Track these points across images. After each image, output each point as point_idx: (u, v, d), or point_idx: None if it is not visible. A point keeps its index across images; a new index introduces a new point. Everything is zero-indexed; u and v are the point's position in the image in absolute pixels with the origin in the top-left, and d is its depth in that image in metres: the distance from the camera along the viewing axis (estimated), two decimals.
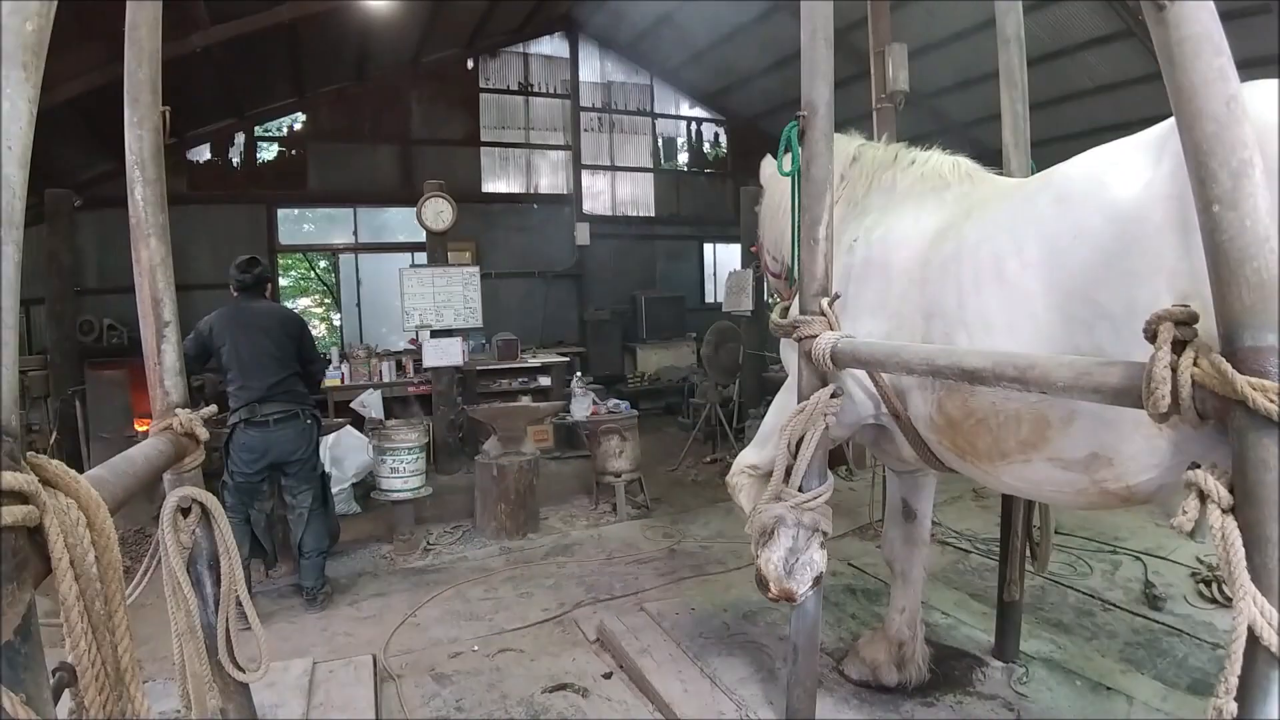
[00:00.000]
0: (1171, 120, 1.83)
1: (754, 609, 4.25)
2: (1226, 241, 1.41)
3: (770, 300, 4.41)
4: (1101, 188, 2.02)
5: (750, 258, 7.87)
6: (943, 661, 3.63)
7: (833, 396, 2.70)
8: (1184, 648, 3.84)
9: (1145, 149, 1.96)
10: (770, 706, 3.30)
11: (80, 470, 1.34)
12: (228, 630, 2.32)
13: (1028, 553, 3.64)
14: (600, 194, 12.87)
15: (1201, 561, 4.69)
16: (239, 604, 2.34)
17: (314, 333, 12.37)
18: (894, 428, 2.84)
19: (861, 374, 2.79)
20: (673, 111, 13.45)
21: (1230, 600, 3.92)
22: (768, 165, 3.71)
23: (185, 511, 2.23)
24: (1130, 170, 1.96)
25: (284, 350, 4.81)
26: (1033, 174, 3.13)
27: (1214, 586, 4.37)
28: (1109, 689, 3.42)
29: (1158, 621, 4.14)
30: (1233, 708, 1.37)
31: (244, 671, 2.37)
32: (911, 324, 2.60)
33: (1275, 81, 1.76)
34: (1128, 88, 8.83)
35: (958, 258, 2.43)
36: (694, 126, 13.59)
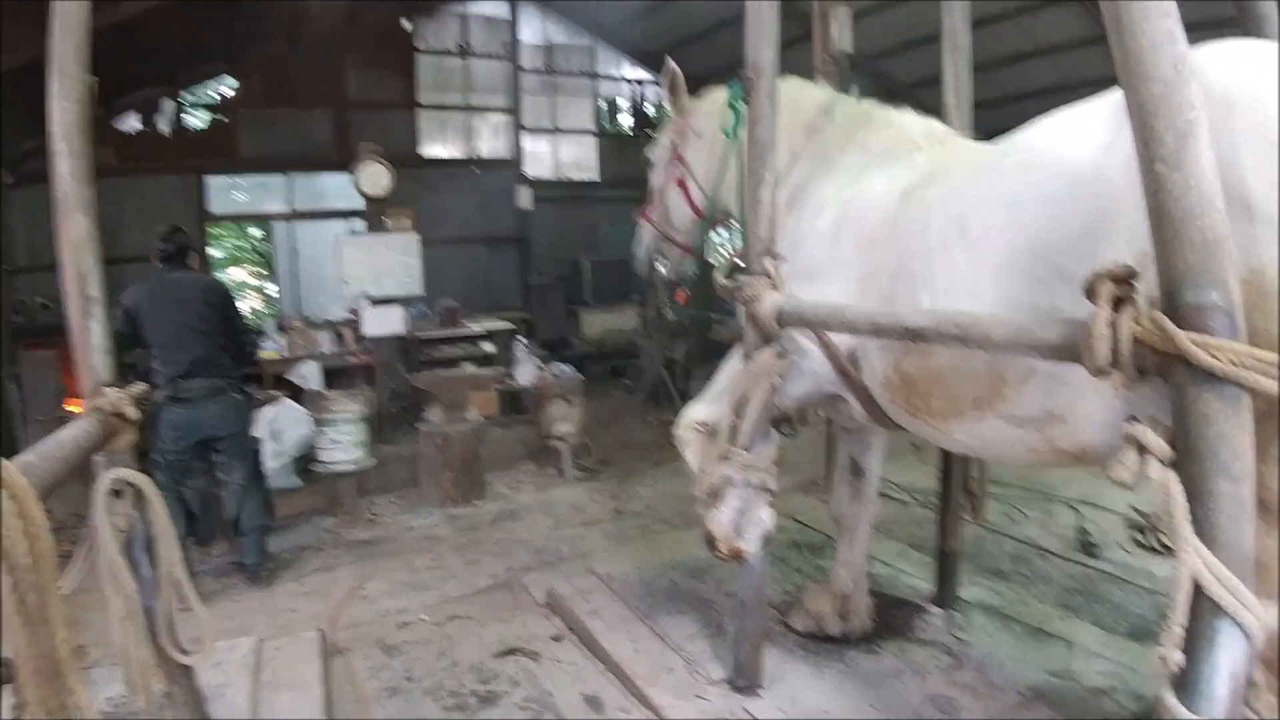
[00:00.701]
0: None
1: (701, 566, 4.32)
2: (1170, 202, 1.43)
3: (716, 261, 4.34)
4: (1063, 151, 2.05)
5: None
6: (885, 610, 3.76)
7: (778, 357, 2.72)
8: (1122, 594, 4.01)
9: (1106, 112, 1.97)
10: (719, 661, 3.39)
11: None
12: (169, 612, 2.29)
13: (967, 504, 3.76)
14: (542, 157, 12.66)
15: (1136, 509, 4.86)
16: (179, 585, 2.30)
17: (250, 305, 12.18)
18: (844, 388, 2.87)
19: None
20: (615, 73, 13.27)
21: (1166, 548, 4.09)
22: (707, 101, 3.66)
23: (118, 494, 2.17)
24: (1091, 133, 1.99)
25: (207, 323, 4.65)
26: (973, 135, 3.17)
27: (1149, 534, 4.53)
28: (1048, 634, 3.56)
29: (1094, 568, 4.32)
30: (1178, 657, 1.42)
31: (187, 654, 2.33)
32: (878, 285, 2.62)
33: (1233, 43, 1.78)
34: (1068, 51, 8.95)
35: (923, 219, 2.45)
36: (638, 88, 13.44)
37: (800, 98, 3.23)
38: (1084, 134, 2.02)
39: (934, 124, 3.00)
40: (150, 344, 4.57)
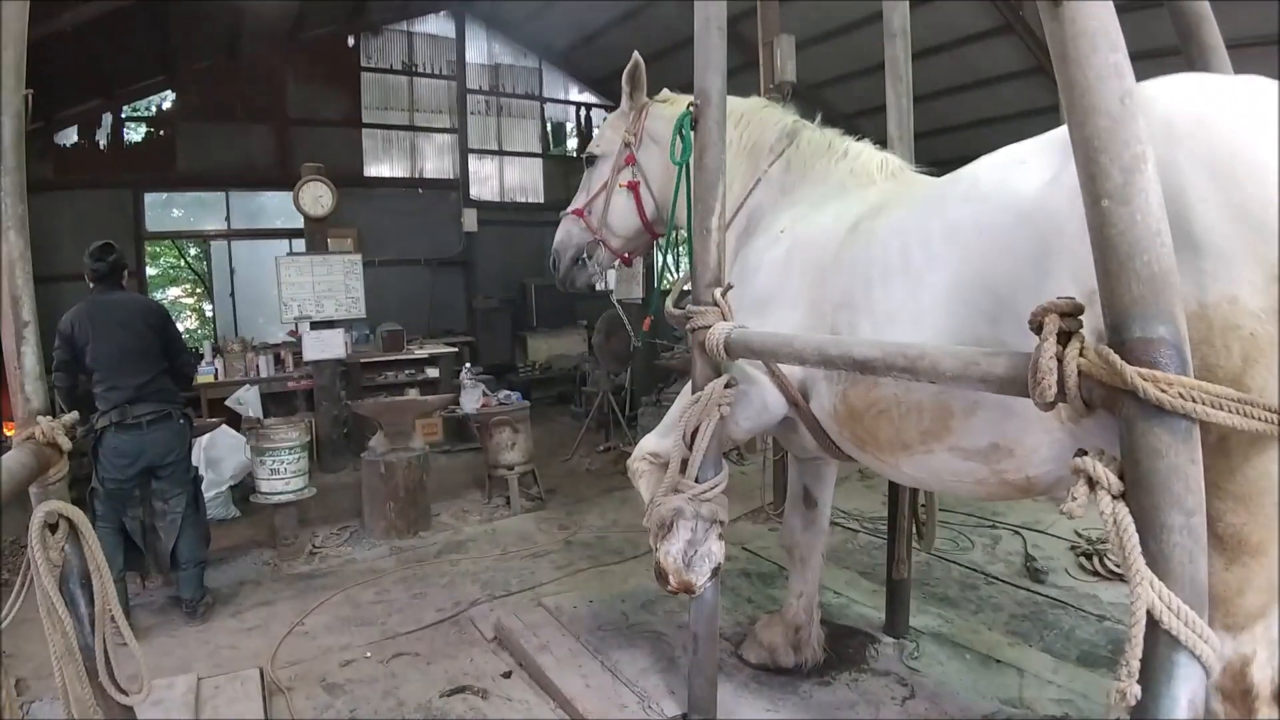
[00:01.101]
0: None
1: (652, 598, 4.28)
2: (1116, 235, 1.43)
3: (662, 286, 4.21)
4: (1008, 184, 2.06)
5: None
6: (837, 641, 3.76)
7: (727, 386, 2.70)
8: (1070, 620, 4.07)
9: (1052, 148, 1.99)
10: (672, 696, 3.34)
11: None
12: (105, 651, 2.22)
13: (914, 531, 3.78)
14: (488, 179, 12.62)
15: (1080, 535, 4.97)
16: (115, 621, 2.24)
17: (185, 326, 11.81)
18: (795, 418, 2.87)
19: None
20: (562, 96, 13.30)
21: (1112, 573, 4.17)
22: (670, 106, 3.51)
23: (53, 527, 2.09)
24: (1037, 168, 2.00)
25: (149, 345, 4.52)
26: (914, 165, 3.22)
27: (1095, 559, 4.63)
28: (999, 662, 3.59)
29: (1041, 594, 4.38)
30: (1136, 690, 1.41)
31: (126, 694, 2.26)
32: (824, 314, 2.63)
33: (1180, 77, 1.82)
34: (1006, 82, 9.28)
35: (867, 249, 2.47)
36: (584, 112, 13.48)
37: (764, 117, 3.24)
38: (1030, 167, 2.04)
39: (889, 157, 3.05)
40: (93, 369, 4.41)
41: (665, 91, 3.61)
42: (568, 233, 3.79)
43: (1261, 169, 1.55)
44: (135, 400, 4.41)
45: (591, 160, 3.74)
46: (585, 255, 3.74)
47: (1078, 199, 1.77)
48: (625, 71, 3.51)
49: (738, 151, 3.15)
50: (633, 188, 3.54)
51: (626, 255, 3.80)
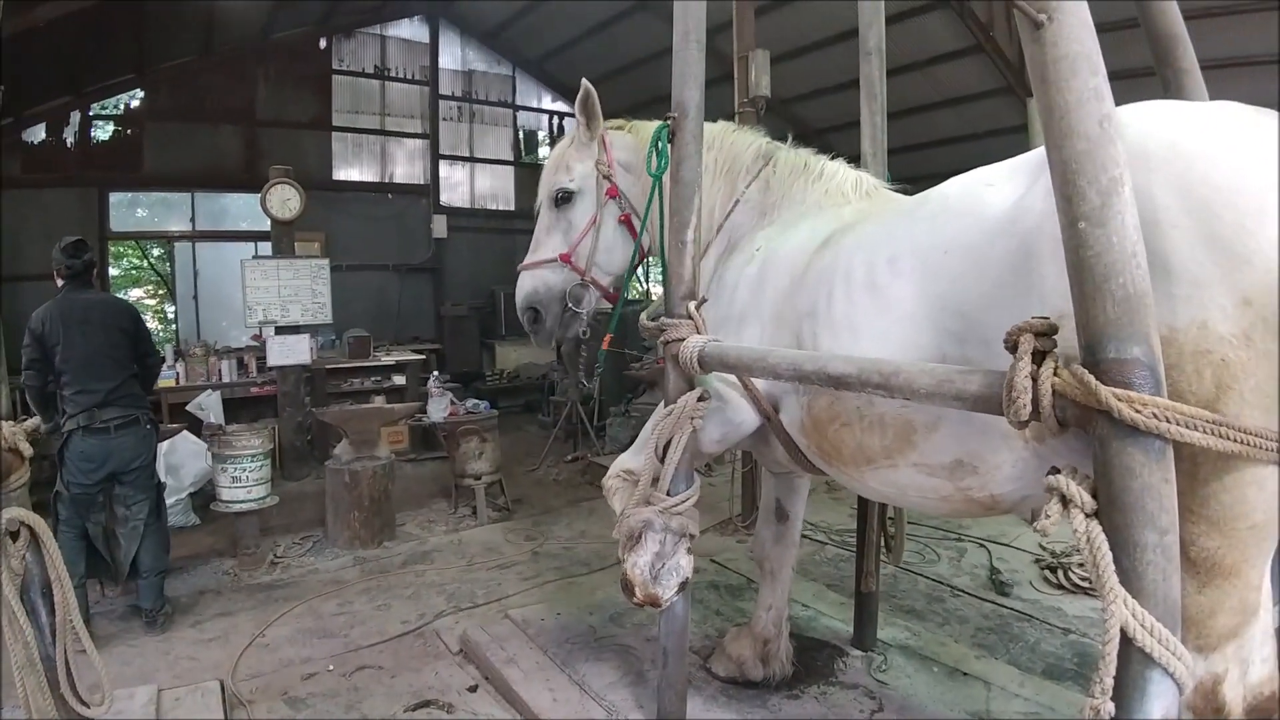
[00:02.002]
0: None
1: (621, 610, 4.24)
2: (1092, 257, 1.45)
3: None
4: (975, 206, 2.09)
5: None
6: (805, 653, 3.75)
7: (700, 400, 2.70)
8: (1035, 633, 4.11)
9: (1017, 172, 2.03)
10: (641, 710, 3.31)
11: None
12: (67, 661, 2.18)
13: (882, 544, 3.80)
14: (459, 185, 12.56)
15: (1045, 549, 5.03)
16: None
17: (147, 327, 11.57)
18: (768, 431, 2.87)
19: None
20: (535, 104, 13.28)
21: (1077, 586, 4.21)
22: (635, 133, 3.39)
23: (14, 535, 2.06)
24: (1005, 190, 2.03)
25: (120, 348, 4.44)
26: (888, 180, 3.25)
27: (1059, 573, 4.68)
28: (965, 674, 3.61)
29: (1007, 607, 4.42)
30: (1110, 708, 1.42)
31: (88, 706, 2.23)
32: (790, 325, 2.65)
33: (1156, 103, 1.84)
34: (976, 101, 9.42)
35: (834, 264, 2.50)
36: (557, 120, 13.48)
37: (735, 140, 3.24)
38: (998, 190, 2.07)
39: (864, 176, 3.09)
40: (61, 371, 4.31)
41: (617, 120, 3.48)
42: (546, 283, 3.35)
43: (1232, 195, 1.57)
44: (104, 405, 4.32)
45: (567, 198, 3.32)
46: (572, 302, 3.35)
47: (1045, 222, 1.80)
48: (578, 101, 3.25)
49: (714, 174, 3.14)
50: (626, 221, 3.32)
51: (614, 292, 3.52)
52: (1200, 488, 1.58)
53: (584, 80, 3.26)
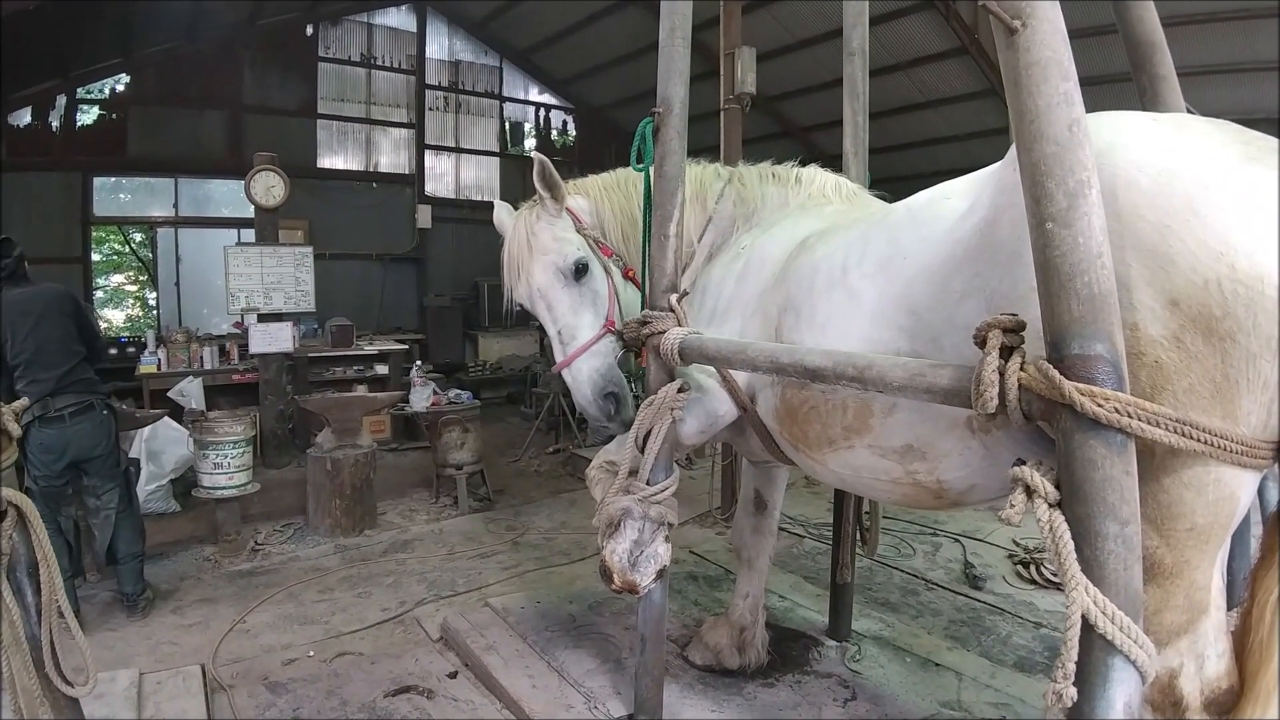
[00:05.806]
0: (1000, 163, 1.96)
1: (600, 599, 4.29)
2: (1058, 257, 1.50)
3: None
4: (933, 216, 2.20)
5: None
6: (781, 643, 3.82)
7: (680, 391, 2.75)
8: (1007, 626, 4.20)
9: (975, 185, 2.12)
10: (619, 697, 3.36)
11: None
12: (52, 641, 2.19)
13: (858, 537, 3.87)
14: (444, 176, 12.51)
15: (1018, 544, 5.13)
16: (61, 614, 2.22)
17: (128, 314, 11.48)
18: (745, 422, 2.93)
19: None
20: (522, 96, 13.25)
21: (1048, 581, 4.29)
22: (595, 184, 3.38)
23: (1, 515, 2.09)
24: (957, 203, 2.13)
25: (66, 334, 4.39)
26: (869, 180, 3.32)
27: (1031, 568, 4.79)
28: (938, 665, 3.69)
29: (979, 600, 4.51)
30: (1072, 692, 1.47)
31: (72, 686, 2.24)
32: (771, 318, 2.72)
33: (1123, 113, 1.86)
34: (960, 102, 9.50)
35: (812, 261, 2.60)
36: (543, 113, 13.46)
37: (697, 172, 3.28)
38: (954, 200, 2.16)
39: (842, 180, 3.20)
40: (14, 365, 4.27)
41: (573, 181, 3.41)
42: (607, 364, 3.16)
43: (1155, 197, 1.60)
44: (56, 392, 4.28)
45: (584, 270, 3.17)
46: (624, 368, 3.26)
47: (992, 232, 1.89)
48: (535, 175, 3.11)
49: (687, 202, 3.16)
50: (630, 276, 3.28)
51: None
52: (1140, 487, 1.62)
53: (535, 154, 3.11)
